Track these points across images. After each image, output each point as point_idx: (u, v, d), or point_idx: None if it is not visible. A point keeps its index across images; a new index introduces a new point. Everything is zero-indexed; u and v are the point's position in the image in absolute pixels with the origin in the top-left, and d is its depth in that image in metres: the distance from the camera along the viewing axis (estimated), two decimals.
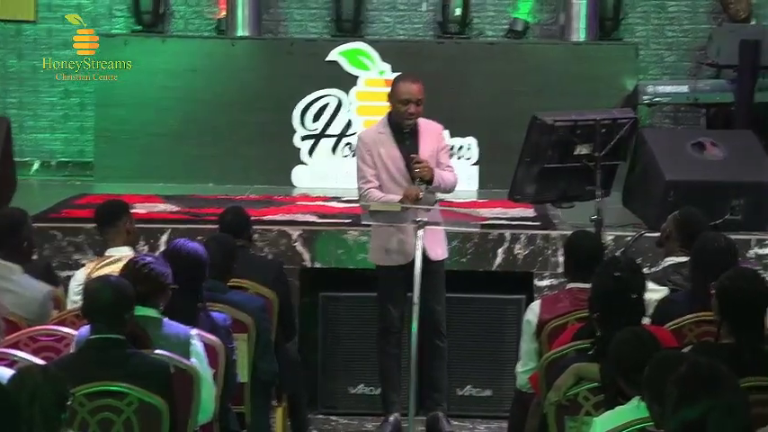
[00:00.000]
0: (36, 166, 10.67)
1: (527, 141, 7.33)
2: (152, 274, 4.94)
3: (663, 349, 4.28)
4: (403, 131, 6.83)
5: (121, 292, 4.60)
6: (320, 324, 7.69)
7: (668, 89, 9.77)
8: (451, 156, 9.89)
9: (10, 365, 4.44)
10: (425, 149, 6.83)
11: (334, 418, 7.64)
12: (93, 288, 4.65)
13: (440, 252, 6.89)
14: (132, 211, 6.44)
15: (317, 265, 7.75)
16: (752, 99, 9.32)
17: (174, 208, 8.55)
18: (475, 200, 9.35)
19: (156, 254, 5.82)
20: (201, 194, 9.23)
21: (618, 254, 7.28)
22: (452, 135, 9.93)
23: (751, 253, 7.56)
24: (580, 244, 5.90)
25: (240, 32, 10.40)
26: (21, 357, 4.68)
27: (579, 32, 10.34)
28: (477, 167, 9.98)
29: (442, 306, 6.94)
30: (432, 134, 6.89)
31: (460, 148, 9.96)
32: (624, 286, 4.81)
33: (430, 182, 6.75)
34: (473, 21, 10.67)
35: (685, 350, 4.53)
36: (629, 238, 7.58)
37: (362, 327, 7.64)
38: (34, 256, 6.41)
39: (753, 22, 10.20)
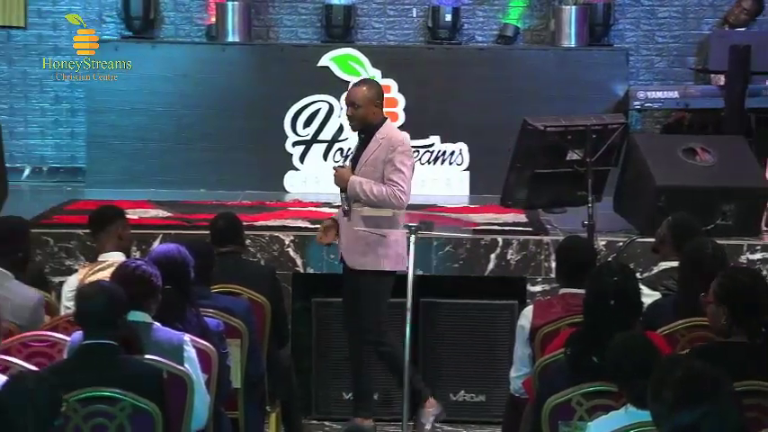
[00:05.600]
0: (27, 171, 10.65)
1: (518, 147, 7.35)
2: (144, 276, 4.92)
3: (669, 353, 4.29)
4: (366, 136, 6.79)
5: (114, 298, 4.60)
6: (313, 329, 7.68)
7: (659, 95, 9.78)
8: (439, 162, 9.94)
9: (3, 371, 4.44)
10: (366, 155, 6.75)
11: (327, 423, 7.62)
12: (86, 294, 4.65)
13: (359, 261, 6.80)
14: None
15: (310, 271, 7.74)
16: (743, 104, 9.33)
17: (166, 214, 8.54)
18: (466, 205, 9.37)
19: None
20: (193, 200, 9.23)
21: (610, 259, 7.30)
22: (443, 141, 9.96)
23: (743, 258, 7.57)
24: (572, 249, 5.91)
25: (230, 38, 10.40)
26: (13, 363, 4.67)
27: (569, 38, 10.36)
28: (467, 173, 9.99)
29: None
30: (383, 144, 6.72)
31: (452, 153, 9.97)
32: (619, 291, 4.81)
33: (344, 189, 6.72)
34: (463, 26, 10.68)
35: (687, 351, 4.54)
36: (620, 244, 7.59)
37: None
38: None
39: (743, 29, 10.23)
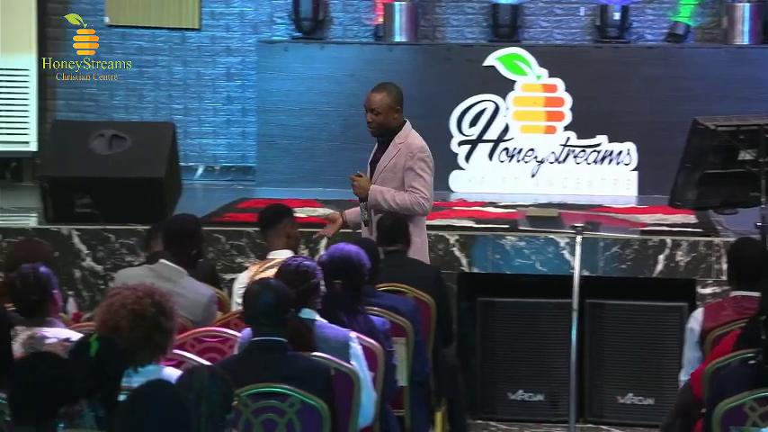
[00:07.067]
0: (200, 170, 10.91)
1: (688, 146, 7.21)
2: (307, 273, 5.01)
3: None
4: (385, 140, 6.72)
5: (283, 295, 4.67)
6: (478, 329, 7.69)
7: None
8: (606, 162, 9.84)
9: (177, 366, 4.55)
10: (385, 161, 6.69)
11: (493, 423, 7.61)
12: (255, 291, 4.73)
13: None
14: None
15: (475, 270, 7.75)
16: None
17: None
18: (634, 206, 9.26)
19: (316, 258, 5.90)
20: None
21: None
22: (610, 140, 9.85)
23: None
24: (745, 251, 5.79)
25: (397, 38, 10.48)
26: (187, 358, 4.79)
27: (742, 36, 10.14)
28: (635, 173, 9.87)
29: None
30: (402, 149, 6.67)
31: (619, 153, 9.86)
32: None
33: (363, 199, 6.63)
34: (632, 25, 10.55)
35: None
36: None
37: (521, 332, 7.62)
38: None
39: None
